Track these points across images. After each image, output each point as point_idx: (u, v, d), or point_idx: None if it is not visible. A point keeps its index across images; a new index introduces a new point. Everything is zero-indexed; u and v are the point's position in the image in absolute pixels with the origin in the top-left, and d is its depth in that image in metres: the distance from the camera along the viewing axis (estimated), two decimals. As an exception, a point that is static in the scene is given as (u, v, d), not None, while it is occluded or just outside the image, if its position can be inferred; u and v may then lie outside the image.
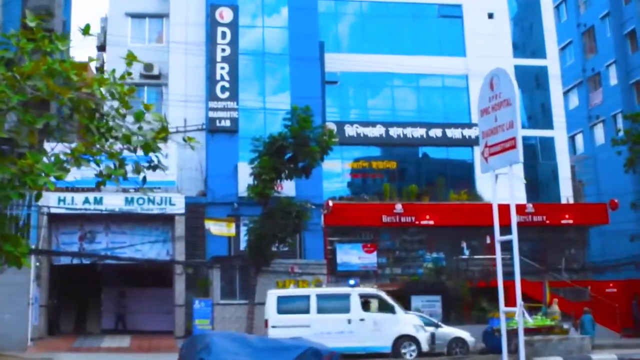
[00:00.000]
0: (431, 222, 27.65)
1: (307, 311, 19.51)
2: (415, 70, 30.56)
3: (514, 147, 11.33)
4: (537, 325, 20.37)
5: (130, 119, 8.59)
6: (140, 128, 8.60)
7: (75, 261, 24.96)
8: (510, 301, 12.69)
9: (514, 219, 11.33)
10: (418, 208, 27.89)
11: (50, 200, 23.48)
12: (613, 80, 38.39)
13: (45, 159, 7.70)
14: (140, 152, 8.63)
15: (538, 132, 31.77)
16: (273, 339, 12.21)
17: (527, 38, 33.78)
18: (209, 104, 27.05)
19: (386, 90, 30.91)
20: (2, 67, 7.71)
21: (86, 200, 24.14)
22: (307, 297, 19.81)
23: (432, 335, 20.15)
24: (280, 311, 19.44)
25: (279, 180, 23.13)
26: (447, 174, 30.47)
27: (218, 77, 27.26)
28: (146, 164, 8.84)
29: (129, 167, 8.60)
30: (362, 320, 19.49)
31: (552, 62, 32.54)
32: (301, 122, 22.17)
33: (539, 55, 32.70)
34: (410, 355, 19.29)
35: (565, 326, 21.63)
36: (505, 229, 11.60)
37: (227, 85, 27.24)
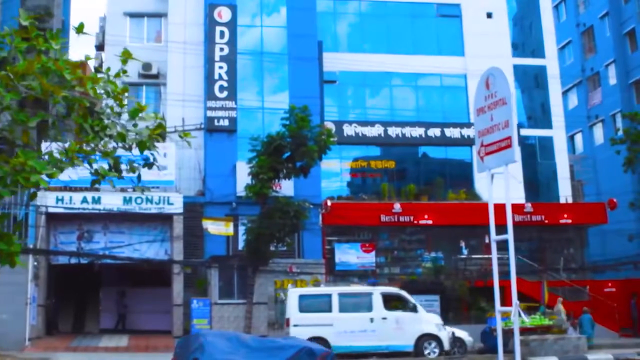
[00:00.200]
0: (430, 222, 27.62)
1: (329, 310, 19.49)
2: (414, 70, 30.51)
3: (509, 146, 11.29)
4: (533, 324, 20.39)
5: (125, 117, 8.60)
6: (135, 125, 8.61)
7: (73, 261, 24.89)
8: (507, 301, 12.67)
9: (510, 218, 11.31)
10: (417, 208, 27.85)
11: (48, 200, 23.49)
12: (612, 80, 38.37)
13: (38, 158, 7.69)
14: (136, 151, 8.63)
15: (537, 131, 31.74)
16: (267, 338, 12.18)
17: (526, 38, 33.72)
18: (208, 104, 27.05)
19: (385, 89, 30.88)
20: (-4, 66, 7.72)
21: (84, 200, 24.12)
22: (329, 296, 19.78)
23: (453, 335, 20.20)
24: (302, 309, 19.42)
25: (277, 180, 23.18)
26: (445, 174, 30.42)
27: (216, 77, 27.25)
28: (142, 162, 8.85)
29: (124, 166, 8.61)
30: (384, 319, 19.46)
31: (551, 61, 32.46)
32: (299, 121, 22.20)
33: (538, 54, 32.66)
34: (433, 353, 19.30)
35: (564, 326, 21.65)
36: (503, 228, 11.58)
37: (225, 84, 27.24)
